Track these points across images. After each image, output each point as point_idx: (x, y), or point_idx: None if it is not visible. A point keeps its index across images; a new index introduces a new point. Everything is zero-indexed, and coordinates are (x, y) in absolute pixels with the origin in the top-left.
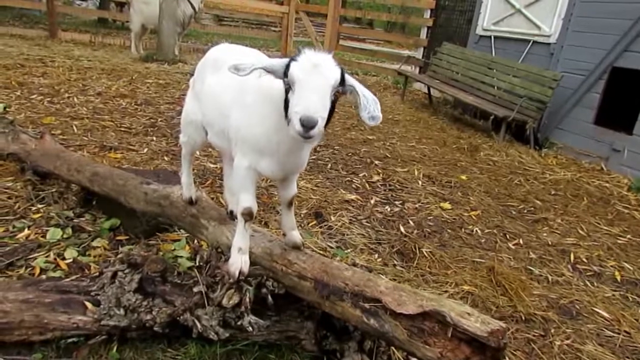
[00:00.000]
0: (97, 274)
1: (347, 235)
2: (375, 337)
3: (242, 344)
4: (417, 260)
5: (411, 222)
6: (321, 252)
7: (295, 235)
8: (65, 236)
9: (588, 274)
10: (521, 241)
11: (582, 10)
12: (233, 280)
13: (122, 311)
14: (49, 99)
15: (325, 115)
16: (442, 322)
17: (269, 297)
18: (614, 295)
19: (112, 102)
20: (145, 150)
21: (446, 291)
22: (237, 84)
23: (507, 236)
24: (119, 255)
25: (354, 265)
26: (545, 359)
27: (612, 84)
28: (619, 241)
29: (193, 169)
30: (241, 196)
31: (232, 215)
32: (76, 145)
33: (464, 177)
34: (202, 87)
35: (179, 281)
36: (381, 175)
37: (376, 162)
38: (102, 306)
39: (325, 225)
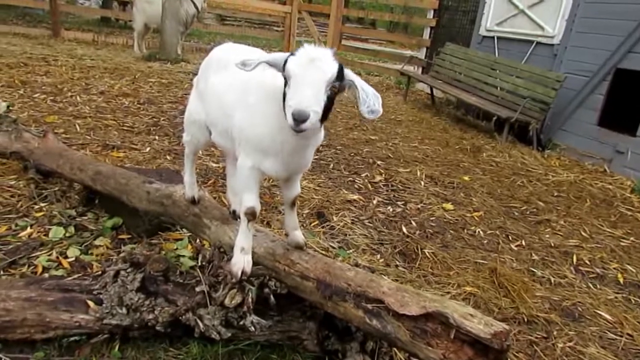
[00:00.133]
0: (100, 272)
1: (350, 235)
2: (377, 338)
3: (244, 343)
4: (419, 261)
5: (413, 223)
6: (323, 252)
7: (298, 235)
8: (67, 235)
9: (591, 276)
10: (524, 243)
11: (586, 11)
12: (235, 280)
13: (124, 310)
14: (51, 98)
15: (319, 109)
16: (445, 324)
17: (271, 297)
18: (616, 297)
19: (115, 101)
20: (148, 149)
21: (448, 292)
22: (240, 84)
23: (510, 237)
24: (122, 254)
25: (357, 265)
26: None
27: (616, 86)
28: (622, 243)
29: (196, 169)
30: (244, 196)
31: (234, 215)
32: (79, 144)
33: (466, 178)
34: (205, 86)
35: (181, 280)
36: (383, 175)
37: (378, 162)
38: (104, 305)
39: (327, 226)
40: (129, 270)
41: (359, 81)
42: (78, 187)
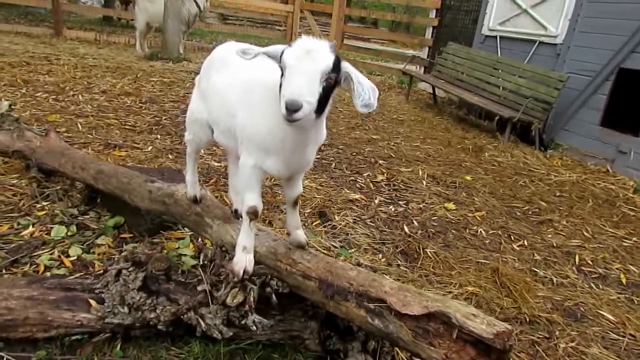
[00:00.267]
0: (102, 271)
1: (351, 234)
2: (379, 338)
3: (246, 343)
4: (421, 261)
5: (415, 223)
6: (325, 251)
7: (300, 235)
8: (69, 234)
9: (593, 276)
10: (526, 242)
11: (589, 11)
12: (237, 279)
13: (126, 309)
14: (54, 97)
15: (313, 100)
16: (447, 324)
17: (273, 296)
18: (619, 297)
19: (117, 100)
20: (150, 148)
21: (450, 292)
22: (242, 82)
23: (512, 237)
24: (123, 253)
25: (359, 265)
26: None
27: (619, 86)
28: (625, 243)
29: (197, 168)
30: (246, 195)
31: (236, 214)
32: (81, 143)
33: (468, 178)
34: (207, 85)
35: (183, 280)
36: (385, 175)
37: (380, 161)
38: (106, 304)
39: (329, 225)
40: (130, 269)
41: (355, 74)
42: (80, 186)
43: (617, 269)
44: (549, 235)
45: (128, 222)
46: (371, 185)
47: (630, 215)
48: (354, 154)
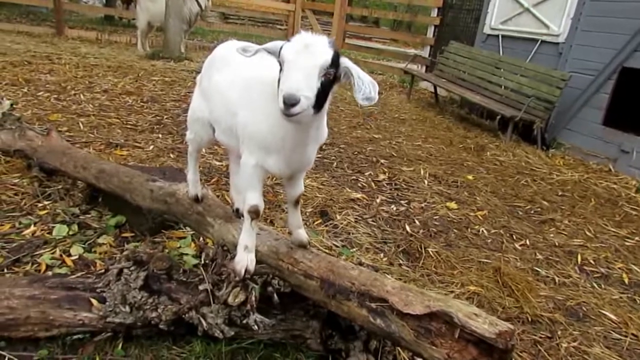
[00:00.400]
0: (103, 271)
1: (353, 234)
2: (381, 337)
3: (248, 342)
4: (422, 260)
5: (417, 222)
6: (327, 250)
7: (302, 234)
8: (71, 233)
9: (595, 275)
10: (528, 242)
11: (591, 10)
12: (239, 279)
13: (127, 308)
14: (55, 96)
15: (310, 94)
16: (449, 323)
17: (275, 295)
18: (621, 297)
19: (118, 99)
20: (151, 147)
21: (452, 291)
22: (243, 81)
23: (514, 237)
24: (125, 253)
25: (360, 264)
26: None
27: (622, 85)
28: (627, 243)
29: (199, 167)
30: (248, 194)
31: (238, 213)
32: (82, 142)
33: (470, 177)
34: (209, 84)
35: (184, 279)
36: (387, 174)
37: (382, 161)
38: (107, 303)
39: (330, 224)
40: (132, 268)
41: (355, 69)
42: (81, 185)
43: (619, 268)
44: (551, 235)
45: (129, 221)
46: (373, 184)
47: (632, 214)
48: (356, 153)
